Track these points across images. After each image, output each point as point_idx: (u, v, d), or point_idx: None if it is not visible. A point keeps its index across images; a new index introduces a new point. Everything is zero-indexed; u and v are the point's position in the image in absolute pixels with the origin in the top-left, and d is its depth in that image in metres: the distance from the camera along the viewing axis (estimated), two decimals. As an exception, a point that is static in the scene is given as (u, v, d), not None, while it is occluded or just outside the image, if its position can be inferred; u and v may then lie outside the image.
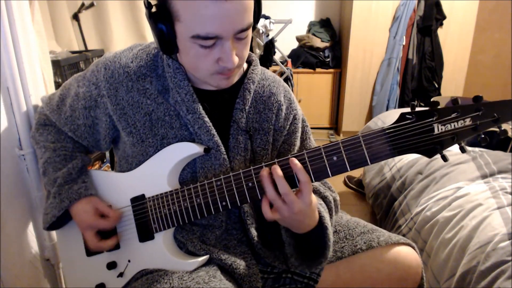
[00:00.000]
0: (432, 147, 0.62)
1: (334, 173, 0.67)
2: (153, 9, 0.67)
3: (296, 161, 0.67)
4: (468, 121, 0.60)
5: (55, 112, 0.86)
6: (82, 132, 0.84)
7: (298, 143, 0.89)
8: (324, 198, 0.84)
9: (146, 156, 0.80)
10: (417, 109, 0.63)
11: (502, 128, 0.61)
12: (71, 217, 0.85)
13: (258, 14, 0.71)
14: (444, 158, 0.64)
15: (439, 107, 0.61)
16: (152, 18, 0.66)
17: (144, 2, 0.67)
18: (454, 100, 0.61)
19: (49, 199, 0.84)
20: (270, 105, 0.84)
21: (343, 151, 0.66)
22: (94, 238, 0.81)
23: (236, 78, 0.81)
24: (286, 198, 0.66)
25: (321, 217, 0.75)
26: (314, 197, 0.71)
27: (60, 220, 0.84)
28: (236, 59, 0.68)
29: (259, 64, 0.86)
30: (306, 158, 0.68)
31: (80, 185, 0.83)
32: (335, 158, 0.66)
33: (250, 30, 0.69)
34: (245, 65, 0.85)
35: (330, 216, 0.82)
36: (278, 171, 0.67)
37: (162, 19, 0.66)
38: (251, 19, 0.66)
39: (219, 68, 0.69)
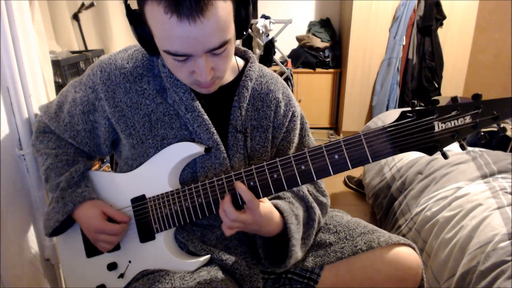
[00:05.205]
0: (432, 144, 0.63)
1: (336, 171, 0.67)
2: (136, 12, 0.65)
3: (239, 184, 0.71)
4: (468, 119, 0.61)
5: (53, 120, 0.85)
6: (83, 138, 0.83)
7: (296, 140, 0.89)
8: (308, 209, 0.84)
9: (147, 157, 0.80)
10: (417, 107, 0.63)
11: (501, 126, 0.61)
12: (72, 222, 0.85)
13: (245, 22, 0.66)
14: (445, 156, 0.64)
15: (438, 105, 0.62)
16: (133, 25, 0.65)
17: (126, 11, 0.65)
18: (454, 98, 0.62)
19: (51, 204, 0.83)
20: (268, 102, 0.83)
21: (344, 150, 0.66)
22: (108, 239, 0.80)
23: (230, 78, 0.81)
24: (237, 221, 0.70)
25: (286, 227, 0.76)
26: (271, 209, 0.75)
27: (62, 225, 0.84)
28: (210, 74, 0.66)
29: (256, 61, 0.85)
30: (308, 157, 0.68)
31: (83, 188, 0.82)
32: (336, 156, 0.66)
33: (230, 44, 0.65)
34: (242, 62, 0.85)
35: (309, 225, 0.83)
36: (226, 200, 0.71)
37: (142, 27, 0.64)
38: (226, 36, 0.62)
39: (195, 79, 0.68)
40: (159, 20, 0.58)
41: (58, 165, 0.84)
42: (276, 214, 0.76)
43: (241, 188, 0.70)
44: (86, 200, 0.81)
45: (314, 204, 0.85)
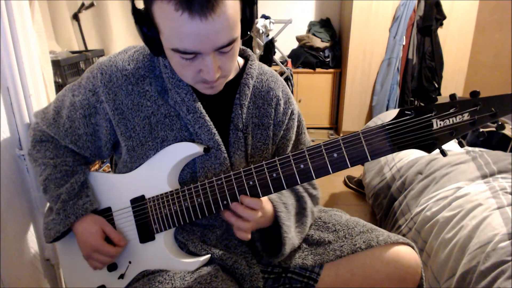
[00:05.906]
0: (431, 142, 0.63)
1: (335, 170, 0.67)
2: (142, 12, 0.65)
3: (242, 197, 0.72)
4: (466, 116, 0.61)
5: (52, 126, 0.83)
6: (84, 142, 0.82)
7: (293, 137, 0.91)
8: (299, 199, 0.88)
9: (146, 159, 0.79)
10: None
11: (499, 123, 0.61)
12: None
13: (250, 22, 0.67)
14: (443, 153, 0.64)
15: (437, 102, 0.62)
16: (138, 24, 0.65)
17: (131, 10, 0.65)
18: (452, 96, 0.62)
19: (52, 215, 0.83)
20: (269, 100, 0.83)
21: (343, 148, 0.66)
22: (101, 259, 0.80)
23: (231, 76, 0.81)
24: (254, 221, 0.73)
25: (277, 216, 0.79)
26: (265, 199, 0.78)
27: (62, 234, 0.83)
28: (217, 73, 0.66)
29: (256, 59, 0.85)
30: (307, 155, 0.68)
31: (84, 199, 0.82)
32: (335, 155, 0.67)
33: (236, 43, 0.66)
34: (242, 61, 0.85)
35: (302, 213, 0.87)
36: (238, 207, 0.72)
37: (148, 27, 0.64)
38: (234, 34, 0.63)
39: (201, 78, 0.68)
40: (169, 17, 0.58)
41: (57, 176, 0.83)
42: (269, 205, 0.79)
43: (246, 200, 0.72)
44: (88, 212, 0.81)
45: (304, 194, 0.89)
